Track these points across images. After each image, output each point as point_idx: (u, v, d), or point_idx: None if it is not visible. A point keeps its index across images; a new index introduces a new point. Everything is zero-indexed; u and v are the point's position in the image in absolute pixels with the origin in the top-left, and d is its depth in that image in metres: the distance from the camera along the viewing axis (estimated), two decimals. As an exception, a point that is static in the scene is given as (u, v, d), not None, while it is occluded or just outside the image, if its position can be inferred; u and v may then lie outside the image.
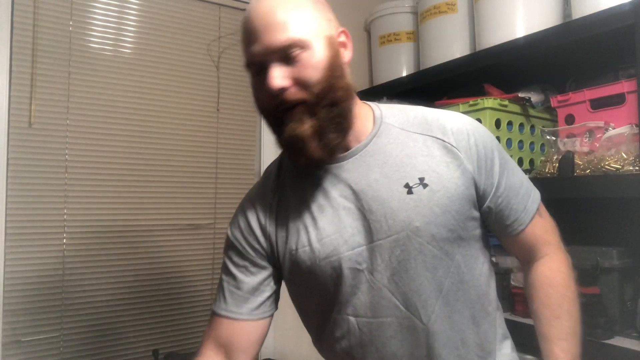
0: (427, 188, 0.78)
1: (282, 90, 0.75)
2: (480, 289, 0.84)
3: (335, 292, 0.82)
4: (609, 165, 1.17)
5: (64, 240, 1.56)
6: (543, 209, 0.89)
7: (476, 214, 0.83)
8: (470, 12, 1.66)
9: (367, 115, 0.85)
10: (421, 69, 1.85)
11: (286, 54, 0.74)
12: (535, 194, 0.88)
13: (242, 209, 0.90)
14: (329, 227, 0.80)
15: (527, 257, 0.89)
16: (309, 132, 0.75)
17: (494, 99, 1.43)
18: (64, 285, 1.55)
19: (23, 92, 1.51)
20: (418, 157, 0.81)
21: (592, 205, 1.41)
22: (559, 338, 0.81)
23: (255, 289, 0.87)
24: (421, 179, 0.79)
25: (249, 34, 0.77)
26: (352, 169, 0.81)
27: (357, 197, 0.80)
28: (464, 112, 1.47)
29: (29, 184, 1.51)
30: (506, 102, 1.44)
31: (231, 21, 1.90)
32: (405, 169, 0.80)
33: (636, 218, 1.24)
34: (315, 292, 0.85)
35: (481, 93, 1.53)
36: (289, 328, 1.96)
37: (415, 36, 1.95)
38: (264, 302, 0.87)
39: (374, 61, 2.13)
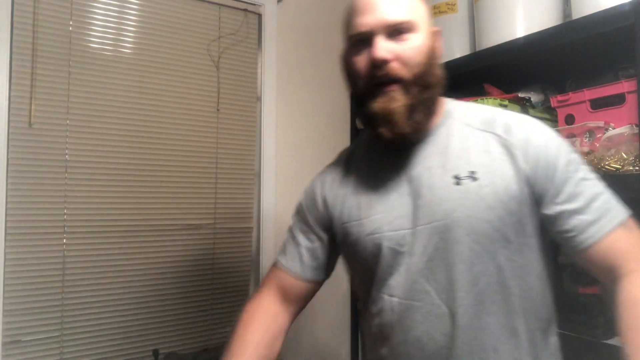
0: (476, 182, 0.79)
1: (385, 61, 0.78)
2: (527, 303, 0.80)
3: (375, 269, 0.86)
4: (609, 165, 1.17)
5: (64, 240, 1.56)
6: (632, 224, 0.79)
7: (533, 219, 0.81)
8: (470, 12, 1.66)
9: (439, 108, 0.88)
10: (421, 69, 1.84)
11: (396, 30, 0.79)
12: (619, 210, 0.79)
13: (314, 181, 1.01)
14: (379, 206, 0.85)
15: (609, 277, 0.78)
16: (402, 109, 0.80)
17: (494, 99, 1.42)
18: (64, 285, 1.55)
19: (23, 92, 1.51)
20: (474, 152, 0.82)
21: (592, 205, 1.41)
22: None
23: (310, 254, 0.96)
24: (472, 172, 0.80)
25: (362, 5, 0.81)
26: (412, 154, 0.85)
27: (411, 182, 0.84)
28: (464, 112, 1.48)
29: (29, 184, 1.51)
30: (506, 102, 1.44)
31: (231, 21, 1.90)
32: (459, 161, 0.82)
33: (636, 218, 1.24)
34: (359, 267, 0.90)
35: (481, 93, 1.53)
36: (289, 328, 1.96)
37: (415, 36, 1.95)
38: (316, 267, 0.97)
39: (374, 61, 2.13)
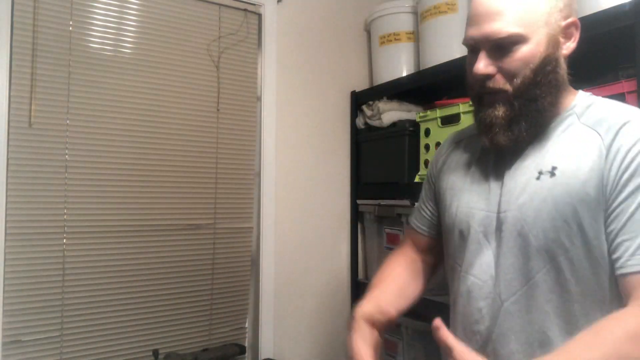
0: (553, 178, 0.79)
1: (487, 76, 0.81)
2: (594, 314, 0.76)
3: (455, 239, 0.93)
4: (609, 165, 1.17)
5: (64, 240, 1.56)
6: None
7: (599, 226, 0.76)
8: (470, 12, 1.66)
9: (566, 101, 0.86)
10: (421, 69, 1.85)
11: (498, 45, 0.79)
12: None
13: (436, 152, 1.08)
14: (475, 185, 0.90)
15: (626, 299, 0.73)
16: (501, 121, 0.82)
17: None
18: (64, 285, 1.55)
19: (23, 92, 1.51)
20: (566, 148, 0.80)
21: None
22: (570, 354, 0.67)
23: (432, 215, 1.06)
24: (553, 168, 0.79)
25: (471, 15, 0.82)
26: (520, 148, 0.85)
27: (507, 172, 0.85)
28: (464, 112, 1.48)
29: (29, 184, 1.51)
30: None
31: (231, 21, 1.90)
32: (547, 155, 0.81)
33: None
34: (446, 232, 0.97)
35: (481, 93, 1.52)
36: (289, 328, 1.96)
37: (415, 36, 1.95)
38: (436, 224, 1.05)
39: (374, 61, 2.13)
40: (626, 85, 1.20)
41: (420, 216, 1.09)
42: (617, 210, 0.74)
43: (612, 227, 0.75)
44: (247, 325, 1.90)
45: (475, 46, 0.82)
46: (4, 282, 1.46)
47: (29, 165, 1.51)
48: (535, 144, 0.84)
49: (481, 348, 0.85)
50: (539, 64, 0.79)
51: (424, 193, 1.09)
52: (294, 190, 2.01)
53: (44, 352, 1.52)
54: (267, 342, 1.89)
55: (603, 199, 0.75)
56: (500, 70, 0.80)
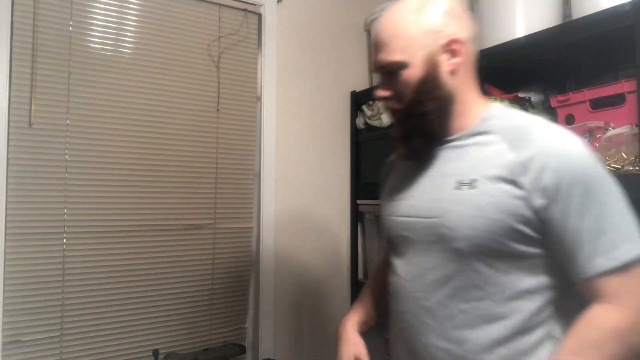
0: (473, 190, 0.85)
1: (384, 98, 0.94)
2: (504, 312, 0.82)
3: (389, 244, 1.04)
4: (609, 165, 1.17)
5: (64, 240, 1.56)
6: (636, 275, 0.76)
7: (527, 233, 0.81)
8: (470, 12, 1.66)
9: (476, 113, 0.92)
10: (421, 69, 1.84)
11: (387, 71, 0.91)
12: (624, 250, 0.76)
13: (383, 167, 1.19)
14: (401, 194, 0.99)
15: (591, 299, 0.80)
16: (398, 137, 0.95)
17: (494, 99, 1.42)
18: (64, 285, 1.55)
19: (23, 92, 1.51)
20: (483, 161, 0.86)
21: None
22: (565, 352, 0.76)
23: None
24: (473, 180, 0.85)
25: (372, 43, 0.96)
26: (438, 156, 0.94)
27: (430, 179, 0.94)
28: (464, 112, 1.48)
29: (29, 184, 1.51)
30: (506, 102, 1.44)
31: (231, 21, 1.90)
32: (467, 168, 0.88)
33: (636, 218, 1.23)
34: (385, 238, 1.09)
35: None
36: (289, 328, 1.96)
37: (415, 36, 1.94)
38: None
39: (374, 61, 2.13)
40: (626, 85, 1.20)
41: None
42: (560, 224, 0.79)
43: (559, 240, 0.80)
44: (247, 325, 1.90)
45: (376, 72, 0.95)
46: (4, 282, 1.46)
47: (29, 165, 1.51)
48: (452, 154, 0.92)
49: (408, 344, 0.94)
50: (419, 84, 0.88)
51: None
52: (294, 190, 2.01)
53: (44, 352, 1.52)
54: (267, 342, 1.89)
55: (530, 212, 0.80)
56: (393, 92, 0.92)
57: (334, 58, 2.14)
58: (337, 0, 2.16)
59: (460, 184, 0.86)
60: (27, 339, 1.49)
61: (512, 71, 1.52)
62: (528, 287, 0.83)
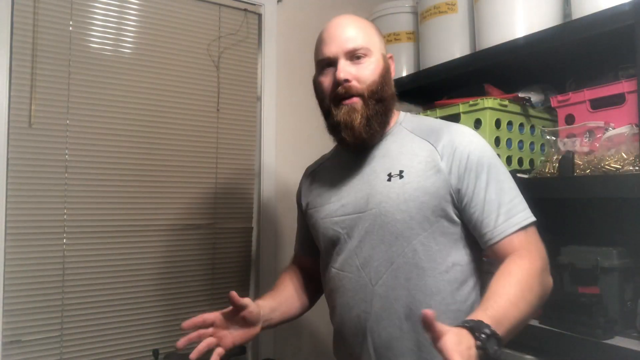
0: (402, 179, 0.98)
1: (347, 80, 0.98)
2: (441, 285, 0.95)
3: (326, 246, 1.08)
4: (609, 165, 1.17)
5: (64, 240, 1.56)
6: (533, 232, 0.93)
7: (452, 215, 0.97)
8: (470, 12, 1.66)
9: (393, 120, 1.08)
10: (421, 69, 1.84)
11: (355, 55, 0.99)
12: (522, 217, 0.92)
13: (302, 176, 1.26)
14: (334, 197, 1.07)
15: (502, 262, 0.91)
16: (360, 118, 0.99)
17: (494, 99, 1.43)
18: (64, 285, 1.55)
19: (23, 92, 1.51)
20: (406, 155, 1.01)
21: (592, 205, 1.41)
22: (499, 295, 0.80)
23: (305, 235, 1.22)
24: (400, 171, 0.99)
25: (328, 37, 1.02)
26: (366, 157, 1.05)
27: (361, 178, 1.04)
28: (464, 112, 1.48)
29: (29, 184, 1.51)
30: (506, 102, 1.44)
31: (231, 21, 1.90)
32: (394, 162, 1.01)
33: (636, 218, 1.24)
34: (319, 243, 1.12)
35: (481, 93, 1.52)
36: (289, 328, 1.96)
37: (415, 36, 1.95)
38: (310, 245, 1.20)
39: (374, 61, 2.13)
40: (626, 85, 1.20)
41: (298, 240, 1.29)
42: (472, 198, 0.94)
43: (471, 212, 0.94)
44: (247, 325, 1.90)
45: (331, 59, 1.00)
46: (4, 282, 1.46)
47: (29, 165, 1.51)
48: (377, 152, 1.04)
49: (361, 330, 1.00)
50: (382, 73, 1.01)
51: (298, 220, 1.28)
52: (294, 190, 2.01)
53: (44, 352, 1.52)
54: (267, 342, 1.89)
55: (449, 191, 0.95)
56: (356, 77, 0.99)
57: (334, 58, 2.14)
58: (337, 0, 2.16)
59: (390, 176, 0.99)
60: (27, 339, 1.49)
61: (512, 71, 1.52)
62: (455, 260, 0.96)
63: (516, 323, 0.80)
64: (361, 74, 0.99)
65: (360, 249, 1.00)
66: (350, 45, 0.99)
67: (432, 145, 0.99)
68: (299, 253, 1.29)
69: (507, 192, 0.94)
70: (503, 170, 0.98)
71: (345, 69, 0.99)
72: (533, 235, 0.94)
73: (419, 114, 1.77)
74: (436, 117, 1.66)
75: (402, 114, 1.10)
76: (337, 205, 1.06)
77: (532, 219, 0.94)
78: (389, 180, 0.99)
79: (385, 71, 1.03)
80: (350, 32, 1.00)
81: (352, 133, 1.00)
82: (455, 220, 0.97)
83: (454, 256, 0.96)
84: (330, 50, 1.00)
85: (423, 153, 0.99)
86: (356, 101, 0.99)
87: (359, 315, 1.00)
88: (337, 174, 1.10)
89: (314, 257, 1.20)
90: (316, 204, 1.12)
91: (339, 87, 0.99)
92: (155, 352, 1.61)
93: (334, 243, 1.06)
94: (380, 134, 1.04)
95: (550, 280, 0.92)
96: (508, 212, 0.92)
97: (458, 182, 0.95)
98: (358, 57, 0.99)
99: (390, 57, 1.08)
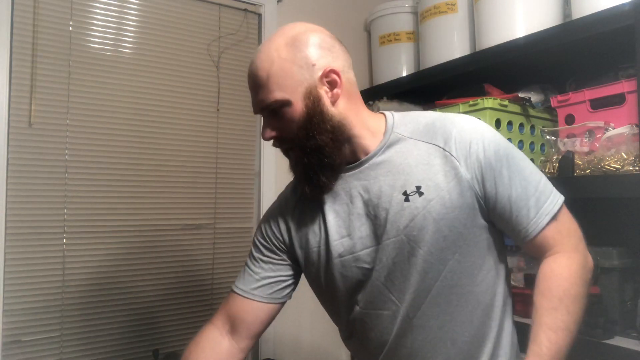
0: (423, 196, 0.85)
1: (272, 139, 0.90)
2: (480, 296, 0.88)
3: (344, 286, 0.94)
4: (609, 165, 1.17)
5: (64, 240, 1.56)
6: (563, 214, 0.87)
7: (482, 222, 0.87)
8: (470, 12, 1.66)
9: (376, 128, 0.92)
10: (421, 69, 1.85)
11: (271, 110, 0.87)
12: (550, 202, 0.86)
13: (271, 208, 1.06)
14: (342, 230, 0.92)
15: (540, 256, 0.89)
16: (301, 176, 0.91)
17: (494, 99, 1.43)
18: (64, 285, 1.55)
19: (23, 92, 1.51)
20: (418, 166, 0.87)
21: (592, 205, 1.41)
22: (549, 327, 0.80)
23: (269, 277, 1.00)
24: (418, 187, 0.86)
25: (249, 85, 0.90)
26: (362, 177, 0.90)
27: (365, 204, 0.90)
28: (464, 112, 1.48)
29: (29, 184, 1.51)
30: (506, 102, 1.44)
31: (231, 21, 1.90)
32: (405, 177, 0.87)
33: (636, 218, 1.24)
34: (330, 286, 0.96)
35: (481, 93, 1.53)
36: (289, 328, 1.96)
37: (415, 36, 1.95)
38: (275, 290, 1.01)
39: (374, 61, 2.13)
40: (626, 85, 1.20)
41: (252, 281, 1.00)
42: (499, 199, 0.85)
43: (501, 212, 0.86)
44: (247, 325, 1.90)
45: (258, 113, 0.91)
46: (4, 282, 1.46)
47: (29, 165, 1.51)
48: (378, 170, 0.89)
49: None
50: (304, 121, 0.85)
51: (258, 256, 1.02)
52: (294, 190, 2.01)
53: (44, 352, 1.52)
54: (267, 342, 1.89)
55: (476, 198, 0.86)
56: (280, 132, 0.89)
57: (334, 58, 2.14)
58: (337, 0, 2.16)
59: (407, 195, 0.86)
60: (27, 339, 1.49)
61: (512, 71, 1.53)
62: (489, 266, 0.89)
63: (569, 342, 0.80)
64: (283, 127, 0.88)
65: (392, 283, 0.89)
66: (263, 102, 0.87)
67: (442, 148, 0.87)
68: (248, 297, 0.99)
69: (530, 181, 0.86)
70: (519, 155, 0.89)
71: (267, 128, 0.89)
72: (564, 218, 0.87)
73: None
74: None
75: (389, 117, 0.94)
76: (353, 240, 0.91)
77: (561, 200, 0.87)
78: (407, 200, 0.86)
79: (311, 111, 0.85)
80: (261, 82, 0.86)
81: (302, 189, 0.92)
82: (484, 225, 0.88)
83: (487, 262, 0.89)
84: (253, 105, 0.91)
85: (437, 161, 0.87)
86: (291, 157, 0.91)
87: (394, 352, 0.92)
88: (334, 203, 0.93)
89: (273, 304, 1.01)
90: (318, 242, 0.95)
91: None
92: (155, 352, 1.61)
93: (360, 281, 0.92)
94: (328, 184, 0.90)
95: (589, 261, 0.88)
96: (537, 202, 0.85)
97: (482, 186, 0.86)
98: (275, 110, 0.86)
99: (331, 72, 0.86)
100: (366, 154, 0.90)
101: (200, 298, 1.80)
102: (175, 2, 1.78)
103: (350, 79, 0.91)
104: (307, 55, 0.86)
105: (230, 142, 1.89)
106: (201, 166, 1.82)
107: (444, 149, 0.87)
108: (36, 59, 1.53)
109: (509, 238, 0.92)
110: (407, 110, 2.01)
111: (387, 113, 0.96)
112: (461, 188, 0.85)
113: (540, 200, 0.85)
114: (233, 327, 1.00)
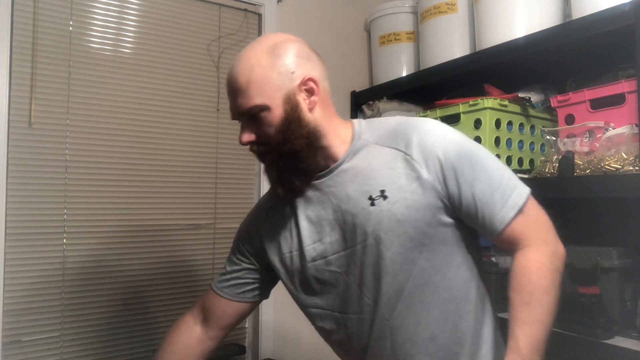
0: (387, 200, 0.88)
1: (249, 143, 0.93)
2: (454, 291, 0.90)
3: (320, 291, 0.98)
4: (609, 165, 1.17)
5: (64, 240, 1.56)
6: (530, 206, 0.88)
7: (447, 220, 0.89)
8: (470, 12, 1.66)
9: (345, 136, 0.95)
10: (421, 69, 1.85)
11: (249, 116, 0.90)
12: (516, 195, 0.87)
13: (249, 213, 1.12)
14: (314, 235, 0.95)
15: (512, 250, 0.90)
16: (275, 179, 0.93)
17: (494, 99, 1.43)
18: (64, 285, 1.55)
19: (23, 92, 1.51)
20: (382, 171, 0.90)
21: (592, 205, 1.41)
22: (523, 322, 0.82)
23: (238, 277, 1.08)
24: (382, 191, 0.88)
25: (227, 90, 0.94)
26: (331, 184, 0.93)
27: (335, 210, 0.93)
28: (464, 112, 1.48)
29: (29, 184, 1.51)
30: (506, 102, 1.44)
31: (231, 21, 1.90)
32: (370, 182, 0.90)
33: (636, 218, 1.24)
34: (302, 290, 1.01)
35: (481, 93, 1.53)
36: (289, 328, 1.96)
37: (415, 36, 1.95)
38: (242, 290, 1.08)
39: (374, 61, 2.13)
40: (626, 85, 1.21)
41: (225, 280, 1.09)
42: (464, 198, 0.87)
43: (467, 210, 0.88)
44: (247, 325, 1.90)
45: (235, 119, 0.94)
46: (4, 282, 1.46)
47: (29, 165, 1.51)
48: (343, 176, 0.92)
49: None
50: (282, 125, 0.88)
51: (233, 258, 1.10)
52: (294, 190, 2.01)
53: (44, 352, 1.52)
54: (267, 342, 1.89)
55: (440, 198, 0.88)
56: (257, 136, 0.91)
57: (334, 58, 2.14)
58: (337, 0, 2.16)
59: (372, 199, 0.88)
60: (27, 339, 1.49)
61: (512, 71, 1.53)
62: (459, 261, 0.91)
63: (546, 333, 0.82)
64: (262, 132, 0.90)
65: (365, 286, 0.91)
66: (242, 107, 0.90)
67: (404, 152, 0.89)
68: (218, 293, 1.09)
69: (494, 176, 0.87)
70: (482, 153, 0.90)
71: (245, 132, 0.92)
72: (531, 211, 0.88)
73: (419, 114, 1.77)
74: (435, 117, 1.66)
75: (356, 125, 0.97)
76: (324, 245, 0.94)
77: (526, 192, 0.88)
78: (373, 204, 0.88)
79: (289, 116, 0.89)
80: (240, 87, 0.89)
81: (276, 193, 0.95)
82: (451, 223, 0.90)
83: (457, 258, 0.91)
84: (231, 111, 0.95)
85: (399, 164, 0.89)
86: (267, 161, 0.94)
87: (376, 354, 0.95)
88: (306, 209, 0.97)
89: (243, 303, 1.09)
90: (291, 248, 0.99)
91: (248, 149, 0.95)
92: (156, 352, 1.61)
93: (334, 286, 0.96)
94: (315, 177, 0.94)
95: (559, 250, 0.88)
96: (502, 196, 0.86)
97: (444, 186, 0.88)
98: (254, 115, 0.89)
99: (309, 80, 0.90)
100: (335, 161, 0.93)
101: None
102: (175, 2, 1.78)
103: (325, 89, 0.94)
104: (286, 63, 0.89)
105: (230, 142, 1.88)
106: (201, 166, 1.82)
107: (405, 153, 0.89)
108: (36, 59, 1.53)
109: (484, 238, 0.94)
110: (408, 110, 2.02)
111: (354, 121, 0.99)
112: (423, 189, 0.87)
113: (505, 194, 0.86)
114: (205, 318, 1.10)
